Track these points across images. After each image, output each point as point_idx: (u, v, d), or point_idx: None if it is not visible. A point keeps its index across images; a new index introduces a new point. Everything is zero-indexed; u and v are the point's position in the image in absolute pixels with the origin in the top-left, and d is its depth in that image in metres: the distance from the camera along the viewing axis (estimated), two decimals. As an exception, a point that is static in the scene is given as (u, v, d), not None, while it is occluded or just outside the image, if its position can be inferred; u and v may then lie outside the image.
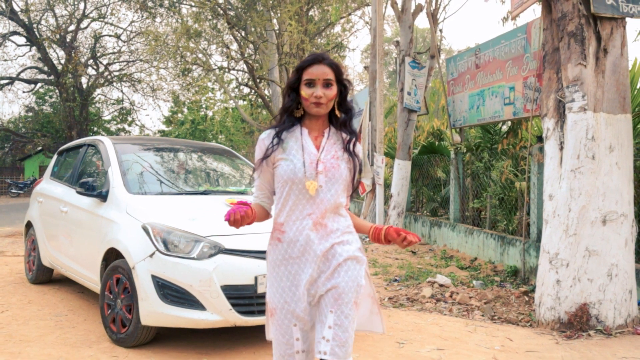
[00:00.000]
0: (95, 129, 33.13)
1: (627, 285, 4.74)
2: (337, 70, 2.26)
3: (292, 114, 2.28)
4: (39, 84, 29.89)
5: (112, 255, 4.39)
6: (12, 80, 28.25)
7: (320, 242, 2.21)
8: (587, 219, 4.68)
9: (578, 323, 4.64)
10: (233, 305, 3.84)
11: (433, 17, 10.00)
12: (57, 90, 29.39)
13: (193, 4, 23.15)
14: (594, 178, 4.67)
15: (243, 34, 22.43)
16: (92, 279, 4.74)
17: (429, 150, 10.94)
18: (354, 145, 2.32)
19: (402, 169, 10.35)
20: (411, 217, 11.04)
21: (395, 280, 6.98)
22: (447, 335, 4.66)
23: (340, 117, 2.32)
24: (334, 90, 2.24)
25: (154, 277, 3.88)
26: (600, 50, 4.77)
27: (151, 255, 3.93)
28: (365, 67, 16.58)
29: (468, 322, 5.12)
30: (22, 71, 28.86)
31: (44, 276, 6.21)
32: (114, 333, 4.21)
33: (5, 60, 27.66)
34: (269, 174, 2.32)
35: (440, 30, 11.22)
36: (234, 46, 23.57)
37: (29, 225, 6.46)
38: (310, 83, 2.21)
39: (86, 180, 4.73)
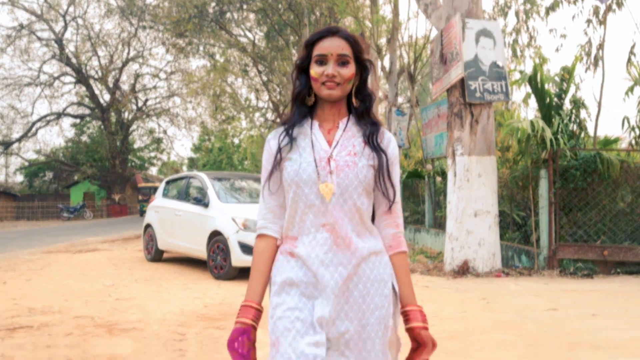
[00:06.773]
0: (130, 157, 38.45)
1: (491, 251, 9.20)
2: (356, 45, 1.86)
3: (303, 102, 1.92)
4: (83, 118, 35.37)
5: (213, 235, 9.01)
6: (59, 115, 33.66)
7: (340, 267, 1.78)
8: (467, 214, 9.17)
9: (462, 271, 9.11)
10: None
11: (411, 77, 14.61)
12: (97, 123, 34.74)
13: (223, 44, 28.27)
14: (469, 191, 9.18)
15: (268, 71, 27.36)
16: (200, 249, 9.36)
17: (414, 175, 15.47)
18: (378, 136, 1.89)
19: (390, 189, 14.88)
20: (401, 226, 15.54)
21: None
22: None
23: (359, 106, 1.92)
24: (351, 69, 1.84)
25: (239, 242, 8.48)
26: (473, 121, 9.31)
27: (237, 232, 8.54)
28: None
29: (408, 275, 9.59)
30: (68, 106, 34.32)
31: (158, 256, 10.88)
32: (216, 274, 8.83)
33: (53, 97, 33.14)
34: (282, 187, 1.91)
35: (421, 85, 15.83)
36: (258, 80, 28.62)
37: (147, 226, 11.13)
38: (322, 60, 1.83)
39: (196, 196, 9.46)
